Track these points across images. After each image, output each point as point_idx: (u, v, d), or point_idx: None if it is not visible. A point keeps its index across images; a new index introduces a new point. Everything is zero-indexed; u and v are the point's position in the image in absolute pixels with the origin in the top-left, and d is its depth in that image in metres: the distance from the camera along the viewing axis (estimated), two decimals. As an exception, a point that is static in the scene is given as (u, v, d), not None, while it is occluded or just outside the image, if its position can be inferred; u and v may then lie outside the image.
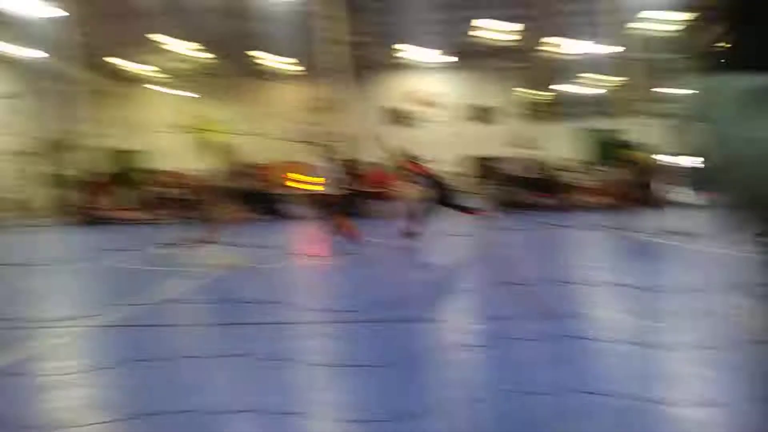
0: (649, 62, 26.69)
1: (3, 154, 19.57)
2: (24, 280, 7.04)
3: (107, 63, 28.17)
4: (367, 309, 5.01)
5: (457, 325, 4.64)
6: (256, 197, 15.44)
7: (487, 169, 16.93)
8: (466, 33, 26.17)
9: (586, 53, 27.68)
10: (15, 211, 17.36)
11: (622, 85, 17.62)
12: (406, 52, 29.20)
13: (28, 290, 6.60)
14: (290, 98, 30.26)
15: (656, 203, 10.06)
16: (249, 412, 2.83)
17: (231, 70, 29.49)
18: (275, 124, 26.10)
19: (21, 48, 24.08)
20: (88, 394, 3.30)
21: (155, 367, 3.50)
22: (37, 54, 24.33)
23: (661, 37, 25.64)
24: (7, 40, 23.25)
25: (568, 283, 5.80)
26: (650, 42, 25.23)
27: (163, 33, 24.13)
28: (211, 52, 26.82)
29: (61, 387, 3.34)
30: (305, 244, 9.94)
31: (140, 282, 7.20)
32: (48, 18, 20.71)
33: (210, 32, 24.46)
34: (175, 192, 17.94)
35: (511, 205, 16.56)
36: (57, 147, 22.85)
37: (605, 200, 10.49)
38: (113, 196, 19.48)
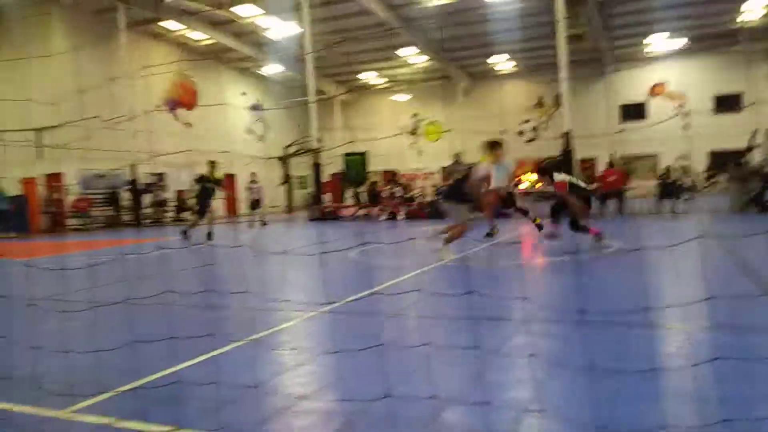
0: None
1: (256, 158, 22.36)
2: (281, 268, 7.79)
3: (341, 73, 30.76)
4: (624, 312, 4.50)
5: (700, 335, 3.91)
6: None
7: (733, 165, 14.63)
8: (719, 14, 23.10)
9: None
10: (267, 208, 19.67)
11: None
12: (645, 42, 26.73)
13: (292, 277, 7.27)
14: (516, 96, 29.86)
15: None
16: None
17: (455, 72, 30.10)
18: (500, 123, 25.97)
19: (268, 64, 27.49)
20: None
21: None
22: (280, 69, 27.58)
23: None
24: (258, 58, 26.68)
25: None
26: None
27: (395, 43, 25.43)
28: (434, 57, 27.56)
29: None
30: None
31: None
32: (291, 36, 23.11)
33: (435, 37, 25.16)
34: (396, 191, 18.84)
35: (756, 205, 14.14)
36: (296, 152, 25.49)
37: None
38: (341, 195, 21.00)
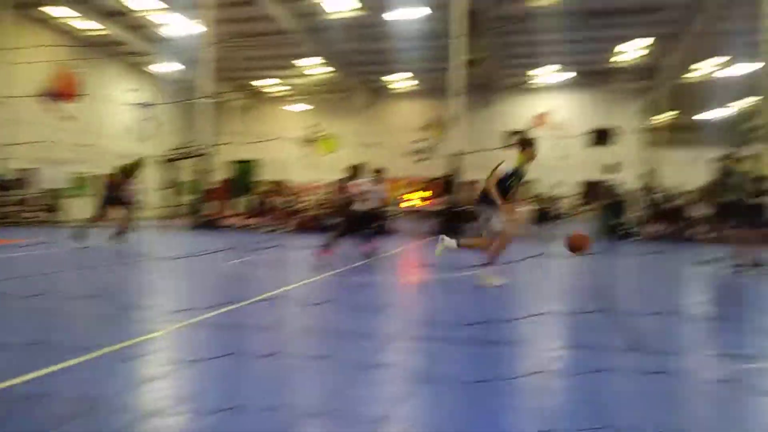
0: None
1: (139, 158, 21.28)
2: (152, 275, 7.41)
3: (239, 78, 30.13)
4: (451, 328, 4.64)
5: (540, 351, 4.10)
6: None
7: (599, 192, 15.74)
8: (596, 52, 24.87)
9: (728, 75, 25.36)
10: (144, 213, 18.72)
11: (764, 109, 15.70)
12: (532, 73, 28.38)
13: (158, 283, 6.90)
14: (410, 115, 30.48)
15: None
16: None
17: (354, 86, 30.38)
18: (394, 140, 26.44)
19: (162, 62, 26.39)
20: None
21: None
22: (175, 68, 26.57)
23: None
24: (150, 55, 25.55)
25: (663, 314, 5.03)
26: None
27: (295, 51, 25.30)
28: (335, 69, 27.70)
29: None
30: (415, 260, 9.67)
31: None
32: (188, 35, 22.32)
33: (336, 50, 25.32)
34: (282, 201, 18.59)
35: (617, 232, 15.43)
36: (182, 155, 24.55)
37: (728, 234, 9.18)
38: (227, 203, 20.42)
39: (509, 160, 6.93)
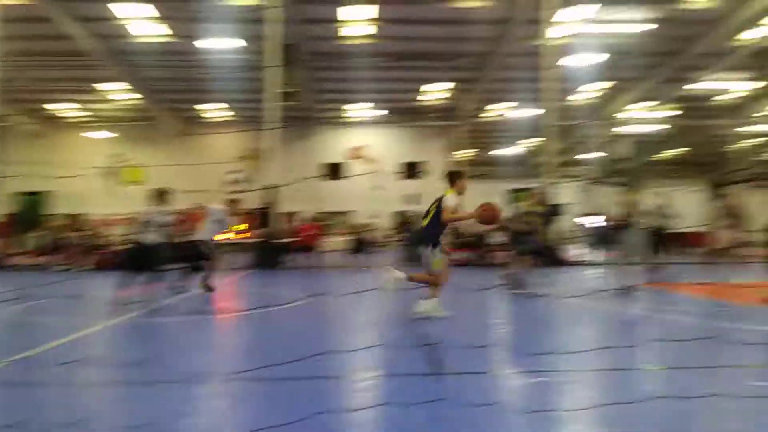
0: (571, 128, 27.82)
1: None
2: None
3: (28, 101, 26.96)
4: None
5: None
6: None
7: (406, 223, 16.66)
8: (405, 91, 26.45)
9: (516, 117, 28.61)
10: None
11: (546, 148, 17.90)
12: (347, 108, 29.37)
13: None
14: (224, 146, 29.59)
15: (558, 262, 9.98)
16: None
17: (164, 114, 28.82)
18: (205, 171, 25.40)
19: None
20: None
21: None
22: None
23: (583, 106, 26.86)
24: None
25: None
26: (575, 109, 26.36)
27: (96, 75, 23.40)
28: (143, 96, 26.09)
29: None
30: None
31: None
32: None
33: (144, 76, 23.89)
34: (79, 237, 16.84)
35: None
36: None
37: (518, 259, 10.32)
38: (12, 240, 18.04)
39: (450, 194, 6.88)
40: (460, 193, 6.97)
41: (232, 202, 10.28)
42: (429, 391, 3.75)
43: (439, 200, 6.90)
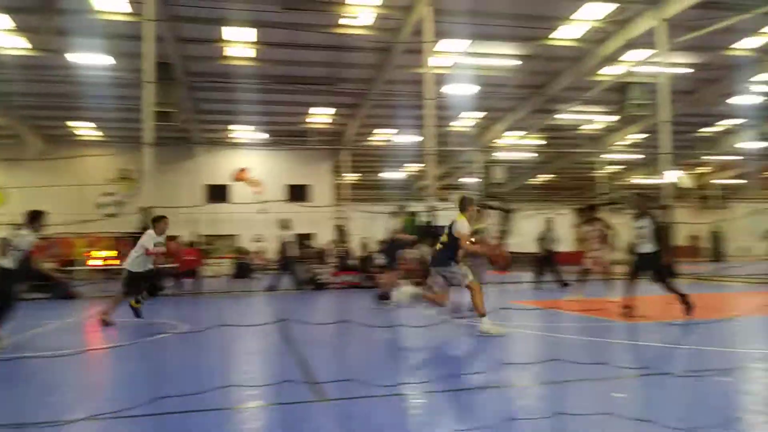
0: (451, 153, 29.12)
1: None
2: None
3: None
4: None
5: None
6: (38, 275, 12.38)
7: (288, 247, 16.56)
8: (290, 115, 26.27)
9: (399, 142, 29.42)
10: None
11: (428, 173, 18.50)
12: (231, 130, 28.69)
13: None
14: (97, 166, 27.75)
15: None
16: None
17: (26, 132, 26.55)
18: (75, 193, 23.65)
19: None
20: None
21: None
22: None
23: (462, 133, 28.19)
24: None
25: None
26: (454, 135, 27.58)
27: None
28: (4, 114, 23.86)
29: None
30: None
31: None
32: None
33: (3, 92, 21.86)
34: None
35: (310, 283, 16.57)
36: None
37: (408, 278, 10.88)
38: None
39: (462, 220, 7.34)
40: (470, 218, 7.46)
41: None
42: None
43: (451, 225, 7.35)
